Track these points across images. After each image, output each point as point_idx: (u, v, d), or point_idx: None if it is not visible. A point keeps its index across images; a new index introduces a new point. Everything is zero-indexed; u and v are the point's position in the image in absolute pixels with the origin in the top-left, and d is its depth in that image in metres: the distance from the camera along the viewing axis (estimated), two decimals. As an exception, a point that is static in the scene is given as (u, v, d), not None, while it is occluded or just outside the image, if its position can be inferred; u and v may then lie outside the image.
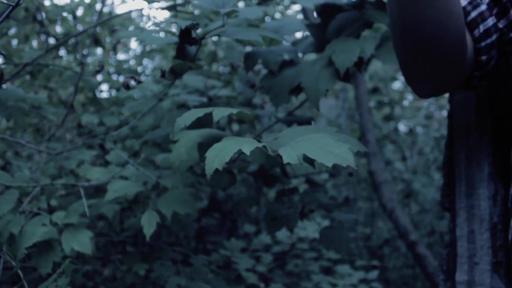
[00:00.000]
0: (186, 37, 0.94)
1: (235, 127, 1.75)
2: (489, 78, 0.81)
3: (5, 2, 0.70)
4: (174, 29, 1.10)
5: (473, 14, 0.71)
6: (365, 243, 3.07)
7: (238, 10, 0.88)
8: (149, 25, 0.96)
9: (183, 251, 1.66)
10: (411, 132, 4.02)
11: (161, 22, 0.94)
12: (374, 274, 2.30)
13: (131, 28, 2.58)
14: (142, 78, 2.20)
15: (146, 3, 1.13)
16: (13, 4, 0.69)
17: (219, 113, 0.74)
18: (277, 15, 2.64)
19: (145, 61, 2.80)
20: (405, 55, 0.73)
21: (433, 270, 2.09)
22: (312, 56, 1.52)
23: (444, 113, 4.13)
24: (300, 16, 2.98)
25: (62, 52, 2.26)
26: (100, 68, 1.27)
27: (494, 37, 0.71)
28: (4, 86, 1.33)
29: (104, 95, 2.31)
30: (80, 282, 1.69)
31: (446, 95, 1.08)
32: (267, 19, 2.08)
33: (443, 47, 0.68)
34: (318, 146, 0.65)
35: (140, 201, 1.08)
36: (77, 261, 1.57)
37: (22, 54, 1.60)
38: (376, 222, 3.29)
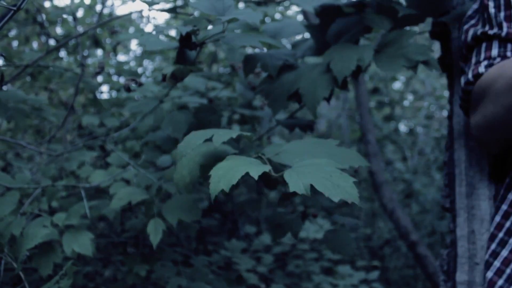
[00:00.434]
0: (186, 42, 0.94)
1: (236, 128, 1.75)
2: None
3: (7, 6, 0.70)
4: (174, 32, 1.10)
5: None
6: (365, 244, 3.07)
7: (238, 19, 0.88)
8: (149, 28, 0.96)
9: (184, 252, 1.66)
10: (411, 132, 4.02)
11: (162, 27, 0.95)
12: (374, 274, 2.30)
13: (131, 29, 2.58)
14: (143, 79, 2.20)
15: (146, 5, 1.13)
16: (15, 8, 0.69)
17: (220, 139, 0.74)
18: (277, 16, 2.64)
19: (145, 62, 2.81)
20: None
21: (433, 271, 2.09)
22: (312, 59, 1.53)
23: (445, 113, 4.13)
24: (300, 17, 2.99)
25: (62, 53, 2.27)
26: (101, 70, 1.27)
27: None
28: (4, 87, 1.33)
29: (105, 96, 2.31)
30: (81, 283, 1.69)
31: (447, 95, 1.08)
32: (267, 19, 2.09)
33: None
34: (324, 176, 0.66)
35: (144, 204, 1.08)
36: (78, 262, 1.57)
37: (23, 55, 1.60)
38: (376, 223, 3.29)
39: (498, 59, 0.78)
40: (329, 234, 1.14)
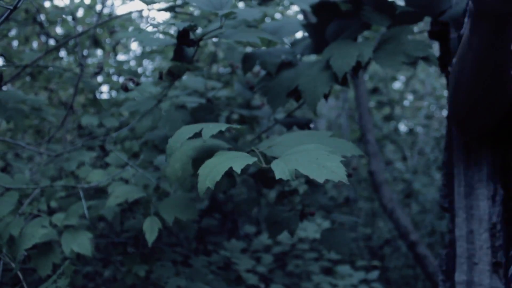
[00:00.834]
0: (184, 38, 0.94)
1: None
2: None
3: (4, 6, 0.70)
4: (172, 30, 1.10)
5: None
6: (365, 243, 3.07)
7: (236, 12, 0.88)
8: (147, 27, 0.96)
9: (184, 252, 1.66)
10: (411, 132, 4.02)
11: (159, 24, 0.95)
12: (374, 274, 2.30)
13: (130, 29, 2.58)
14: (142, 79, 2.20)
15: (145, 4, 1.13)
16: (11, 7, 0.69)
17: (209, 132, 0.74)
18: (277, 15, 2.64)
19: (145, 62, 2.81)
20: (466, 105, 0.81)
21: (433, 270, 2.09)
22: (310, 57, 1.52)
23: (444, 113, 4.13)
24: (300, 16, 2.98)
25: (62, 53, 2.26)
26: (100, 70, 1.27)
27: None
28: (4, 87, 1.33)
29: (104, 96, 2.31)
30: (81, 283, 1.69)
31: (446, 95, 1.08)
32: (267, 19, 2.09)
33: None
34: (310, 159, 0.65)
35: (141, 202, 1.08)
36: (77, 262, 1.57)
37: (23, 55, 1.60)
38: (376, 222, 3.29)
39: None
40: (326, 232, 1.14)
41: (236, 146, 0.88)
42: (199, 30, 0.98)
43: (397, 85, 4.20)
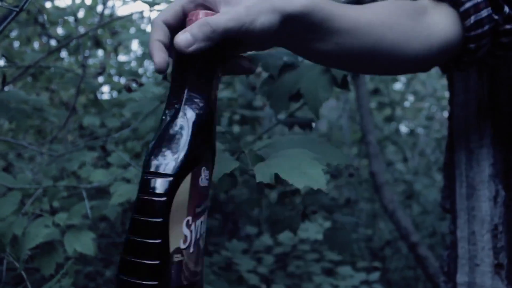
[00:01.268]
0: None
1: (236, 128, 1.76)
2: (481, 63, 0.82)
3: (9, 7, 0.70)
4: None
5: (467, 5, 0.71)
6: (366, 245, 3.07)
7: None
8: (150, 29, 0.96)
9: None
10: (412, 133, 4.02)
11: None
12: (375, 275, 2.31)
13: (132, 30, 2.59)
14: (143, 79, 2.21)
15: (147, 5, 1.14)
16: (17, 9, 0.70)
17: None
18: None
19: (146, 63, 2.81)
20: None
21: (434, 272, 2.09)
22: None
23: (445, 114, 4.13)
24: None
25: (63, 54, 2.27)
26: (102, 70, 1.28)
27: (486, 27, 0.71)
28: (6, 88, 1.34)
29: (105, 96, 2.32)
30: (82, 283, 1.69)
31: (447, 96, 1.09)
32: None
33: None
34: (292, 165, 0.66)
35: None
36: (79, 262, 1.57)
37: (24, 56, 1.61)
38: (377, 224, 3.29)
39: None
40: (329, 232, 1.15)
41: (236, 146, 0.88)
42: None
43: (397, 86, 4.21)
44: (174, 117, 0.53)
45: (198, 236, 0.53)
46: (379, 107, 3.78)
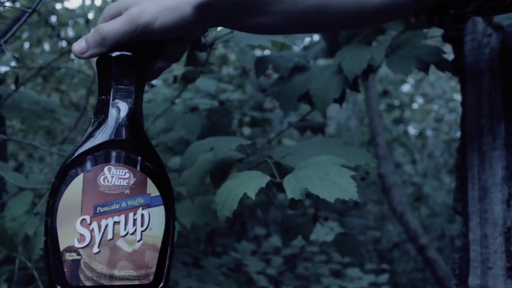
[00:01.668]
0: (196, 43, 0.95)
1: (247, 130, 1.76)
2: (466, 21, 0.74)
3: (23, 9, 0.71)
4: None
5: None
6: (374, 247, 3.06)
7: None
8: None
9: (193, 253, 1.67)
10: (421, 135, 4.01)
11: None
12: (384, 277, 2.30)
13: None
14: (153, 81, 2.21)
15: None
16: (30, 11, 0.70)
17: (219, 151, 0.75)
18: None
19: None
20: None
21: (443, 274, 2.08)
22: (323, 61, 1.52)
23: (454, 115, 4.11)
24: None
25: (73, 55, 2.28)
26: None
27: None
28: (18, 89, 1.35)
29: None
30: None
31: (456, 98, 1.08)
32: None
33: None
34: (320, 175, 0.64)
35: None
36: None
37: (36, 57, 1.62)
38: (385, 226, 3.28)
39: None
40: (339, 237, 1.14)
41: (250, 151, 0.88)
42: (210, 35, 0.99)
43: (406, 87, 4.20)
44: (94, 123, 0.54)
45: (111, 237, 0.52)
46: (388, 109, 3.77)
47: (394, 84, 3.68)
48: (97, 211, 0.51)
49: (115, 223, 0.52)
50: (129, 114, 0.55)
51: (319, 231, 2.39)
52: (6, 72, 1.53)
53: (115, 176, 0.52)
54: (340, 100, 1.01)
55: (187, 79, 0.97)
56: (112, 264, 0.52)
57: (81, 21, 2.16)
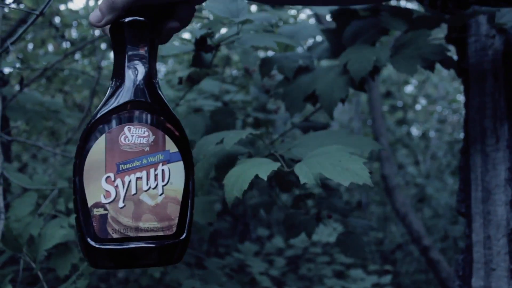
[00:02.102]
0: (201, 45, 0.95)
1: (250, 131, 1.75)
2: (468, 7, 0.75)
3: (30, 11, 0.71)
4: (187, 35, 1.12)
5: None
6: (377, 248, 3.06)
7: (253, 20, 0.89)
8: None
9: (196, 254, 1.67)
10: (424, 136, 4.00)
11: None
12: (387, 278, 2.30)
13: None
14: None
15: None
16: (37, 13, 0.71)
17: (230, 141, 0.75)
18: (290, 20, 2.64)
19: (158, 65, 2.82)
20: None
21: (446, 276, 2.08)
22: (325, 62, 1.52)
23: (457, 117, 4.11)
24: (312, 20, 2.99)
25: (77, 56, 2.29)
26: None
27: None
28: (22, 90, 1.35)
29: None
30: (95, 284, 1.71)
31: (460, 99, 1.08)
32: (280, 24, 2.09)
33: None
34: (333, 162, 0.65)
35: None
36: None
37: (40, 58, 1.62)
38: (388, 227, 3.27)
39: None
40: (342, 236, 1.14)
41: (254, 149, 0.88)
42: (216, 35, 0.99)
43: (409, 88, 4.19)
44: (112, 87, 0.57)
45: (134, 192, 0.55)
46: (391, 110, 3.77)
47: (397, 85, 3.68)
48: (120, 169, 0.55)
49: (138, 178, 0.55)
50: (145, 77, 0.57)
51: (322, 232, 2.39)
52: (10, 73, 1.54)
53: (135, 135, 0.55)
54: (343, 99, 1.01)
55: (192, 80, 0.97)
56: (137, 217, 0.55)
57: (84, 22, 2.17)
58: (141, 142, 0.55)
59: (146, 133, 0.56)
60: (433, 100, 4.16)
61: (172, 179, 0.56)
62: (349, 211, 1.17)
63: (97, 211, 0.54)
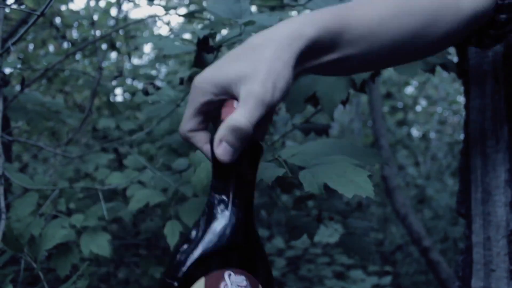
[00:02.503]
0: (204, 45, 0.95)
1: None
2: (506, 39, 0.74)
3: (31, 11, 0.71)
4: (188, 35, 1.12)
5: None
6: (378, 249, 3.06)
7: (255, 21, 0.89)
8: (163, 31, 0.97)
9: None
10: (424, 137, 4.01)
11: (179, 32, 0.96)
12: (387, 279, 2.30)
13: (145, 33, 2.61)
14: (157, 82, 2.22)
15: (161, 8, 1.15)
16: (38, 13, 0.71)
17: None
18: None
19: (158, 65, 2.83)
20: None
21: (446, 276, 2.08)
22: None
23: (458, 118, 4.11)
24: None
25: (77, 56, 2.29)
26: (119, 74, 1.29)
27: None
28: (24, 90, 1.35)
29: (118, 99, 2.33)
30: (95, 284, 1.71)
31: (460, 100, 1.09)
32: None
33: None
34: (338, 172, 0.65)
35: (159, 205, 1.09)
36: (92, 264, 1.58)
37: (41, 59, 1.63)
38: (389, 228, 3.28)
39: None
40: (345, 237, 1.15)
41: (269, 154, 0.88)
42: (218, 37, 1.00)
43: (410, 90, 4.19)
44: (210, 214, 0.52)
45: None
46: (391, 111, 3.77)
47: (398, 86, 3.68)
48: None
49: None
50: (247, 214, 0.52)
51: (323, 233, 2.39)
52: (11, 74, 1.54)
53: (234, 283, 0.51)
54: (344, 101, 1.02)
55: (193, 81, 0.98)
56: None
57: (85, 22, 2.17)
58: None
59: (245, 283, 0.51)
60: (434, 101, 4.16)
61: None
62: (350, 212, 1.17)
63: None
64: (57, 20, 2.11)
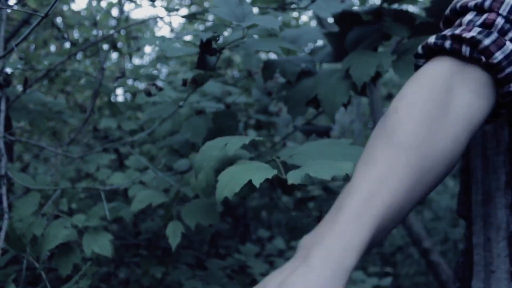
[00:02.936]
0: (206, 47, 0.96)
1: (252, 133, 1.77)
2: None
3: (35, 13, 0.72)
4: (190, 37, 1.12)
5: (508, 70, 0.63)
6: (378, 250, 3.06)
7: (258, 25, 0.89)
8: (164, 32, 0.98)
9: (196, 255, 1.68)
10: (424, 138, 3.99)
11: (182, 34, 0.97)
12: (387, 281, 2.30)
13: (147, 34, 2.61)
14: (159, 83, 2.23)
15: (163, 10, 1.15)
16: (42, 15, 0.71)
17: (233, 147, 0.75)
18: (292, 22, 2.65)
19: (159, 65, 2.83)
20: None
21: (446, 278, 2.08)
22: (327, 66, 1.53)
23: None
24: (313, 23, 3.00)
25: (79, 56, 2.30)
26: (121, 75, 1.30)
27: None
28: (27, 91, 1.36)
29: (119, 99, 2.34)
30: (96, 284, 1.71)
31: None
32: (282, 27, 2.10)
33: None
34: (323, 166, 0.66)
35: (162, 207, 1.09)
36: (93, 264, 1.59)
37: (43, 59, 1.63)
38: (389, 229, 3.27)
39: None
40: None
41: (257, 153, 0.89)
42: (220, 39, 1.00)
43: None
44: None
45: None
46: (391, 112, 3.76)
47: (399, 88, 3.68)
48: None
49: None
50: None
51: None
52: (12, 74, 1.55)
53: None
54: (345, 104, 1.02)
55: (196, 83, 0.98)
56: None
57: (86, 23, 2.18)
58: None
59: None
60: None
61: None
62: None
63: None
64: (59, 20, 2.12)
